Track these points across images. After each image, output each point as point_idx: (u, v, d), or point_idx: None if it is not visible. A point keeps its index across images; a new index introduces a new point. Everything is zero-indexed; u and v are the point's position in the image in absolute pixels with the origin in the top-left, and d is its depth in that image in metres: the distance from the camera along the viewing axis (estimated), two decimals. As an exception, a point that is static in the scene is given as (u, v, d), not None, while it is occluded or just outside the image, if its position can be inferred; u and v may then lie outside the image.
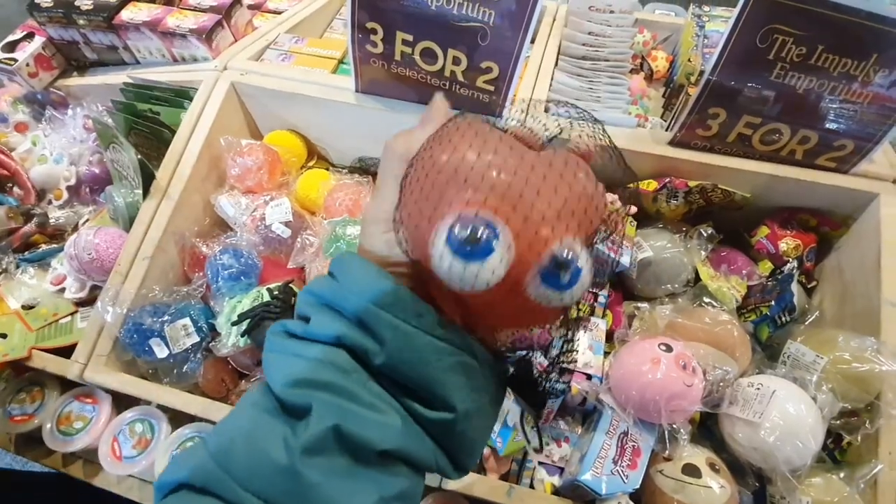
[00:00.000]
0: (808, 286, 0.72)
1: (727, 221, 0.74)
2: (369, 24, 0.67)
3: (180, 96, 0.81)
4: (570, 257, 0.20)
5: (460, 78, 0.69)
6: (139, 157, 0.73)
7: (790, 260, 0.70)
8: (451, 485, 0.57)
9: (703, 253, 0.69)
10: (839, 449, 0.57)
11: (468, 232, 0.19)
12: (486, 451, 0.60)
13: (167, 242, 0.71)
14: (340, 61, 0.85)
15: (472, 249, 0.19)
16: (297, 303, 0.26)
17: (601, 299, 0.65)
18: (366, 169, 0.84)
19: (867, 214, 0.68)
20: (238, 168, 0.74)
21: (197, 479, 0.22)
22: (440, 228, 0.20)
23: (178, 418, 0.66)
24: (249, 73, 0.80)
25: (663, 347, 0.54)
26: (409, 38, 0.67)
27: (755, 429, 0.53)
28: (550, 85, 0.81)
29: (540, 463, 0.59)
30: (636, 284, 0.68)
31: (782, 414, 0.53)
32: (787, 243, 0.70)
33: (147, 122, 0.79)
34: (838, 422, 0.57)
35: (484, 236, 0.19)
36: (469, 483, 0.57)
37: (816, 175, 0.68)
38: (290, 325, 0.25)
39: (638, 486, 0.53)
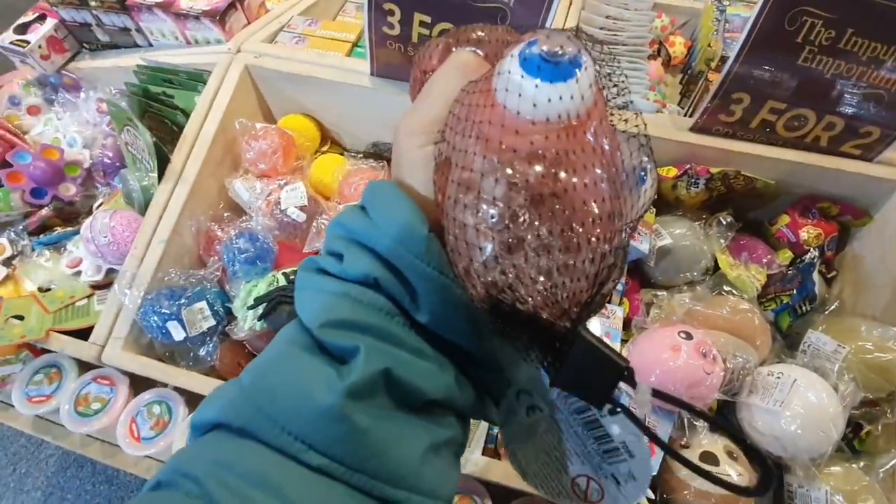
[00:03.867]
0: (829, 276, 0.71)
1: (747, 210, 0.74)
2: (387, 5, 0.66)
3: (194, 79, 0.80)
4: None
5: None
6: (154, 140, 0.73)
7: (811, 249, 0.69)
8: (468, 468, 0.57)
9: (722, 241, 0.68)
10: (858, 438, 0.57)
11: (552, 47, 0.16)
12: (501, 435, 0.60)
13: (182, 226, 0.70)
14: (355, 44, 0.84)
15: (558, 65, 0.16)
16: (327, 236, 0.24)
17: (618, 287, 0.65)
18: (380, 154, 0.83)
19: (892, 203, 0.66)
20: (253, 152, 0.73)
21: (234, 419, 0.21)
22: (513, 53, 0.17)
23: (194, 401, 0.66)
24: (263, 56, 0.79)
25: (683, 335, 0.54)
26: (427, 19, 0.66)
27: (775, 417, 0.53)
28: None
29: (556, 449, 0.59)
30: (654, 272, 0.68)
31: (804, 402, 0.53)
32: (809, 232, 0.69)
33: (161, 105, 0.79)
34: (858, 411, 0.56)
35: (570, 51, 0.16)
36: (484, 467, 0.57)
37: (841, 162, 0.66)
38: (321, 261, 0.23)
39: (655, 473, 0.53)
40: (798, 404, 0.52)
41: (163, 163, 0.73)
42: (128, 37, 0.91)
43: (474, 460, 0.57)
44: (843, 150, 0.66)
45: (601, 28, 0.85)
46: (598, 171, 0.17)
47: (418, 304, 0.21)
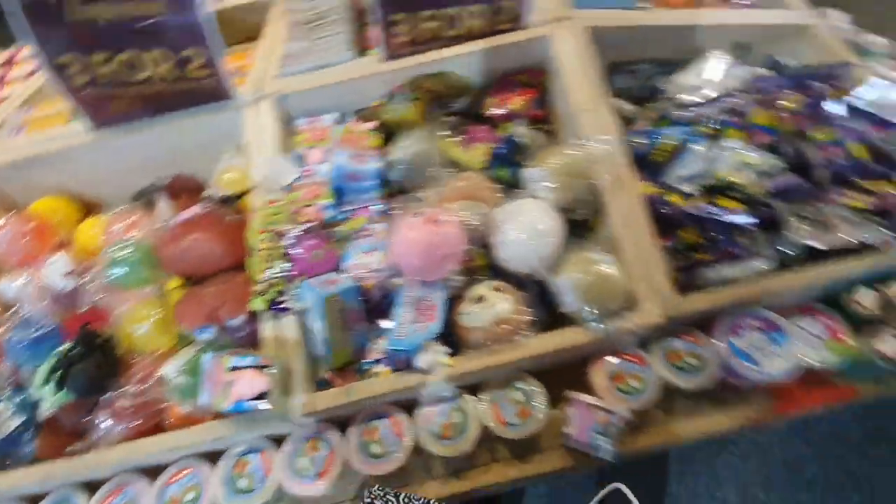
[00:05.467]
0: (546, 128, 0.84)
1: (468, 107, 0.85)
2: (61, 59, 0.69)
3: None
4: None
5: (174, 75, 0.73)
6: None
7: (521, 114, 0.81)
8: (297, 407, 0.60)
9: (449, 138, 0.78)
10: (586, 231, 0.69)
11: None
12: (329, 374, 0.64)
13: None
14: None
15: None
16: None
17: (377, 206, 0.73)
18: (147, 200, 0.85)
19: (552, 53, 0.80)
20: (-2, 245, 0.72)
21: None
22: None
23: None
24: (-22, 158, 0.78)
25: (415, 216, 0.63)
26: (103, 57, 0.69)
27: (511, 242, 0.63)
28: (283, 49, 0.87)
29: (376, 360, 0.65)
30: (401, 184, 0.76)
31: (528, 221, 0.64)
32: (515, 103, 0.82)
33: None
34: (580, 212, 0.68)
35: None
36: (311, 401, 0.60)
37: (503, 38, 0.80)
38: None
39: (439, 330, 0.60)
40: (524, 223, 0.63)
41: None
42: None
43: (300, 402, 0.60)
44: (499, 28, 0.80)
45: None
46: None
47: None
